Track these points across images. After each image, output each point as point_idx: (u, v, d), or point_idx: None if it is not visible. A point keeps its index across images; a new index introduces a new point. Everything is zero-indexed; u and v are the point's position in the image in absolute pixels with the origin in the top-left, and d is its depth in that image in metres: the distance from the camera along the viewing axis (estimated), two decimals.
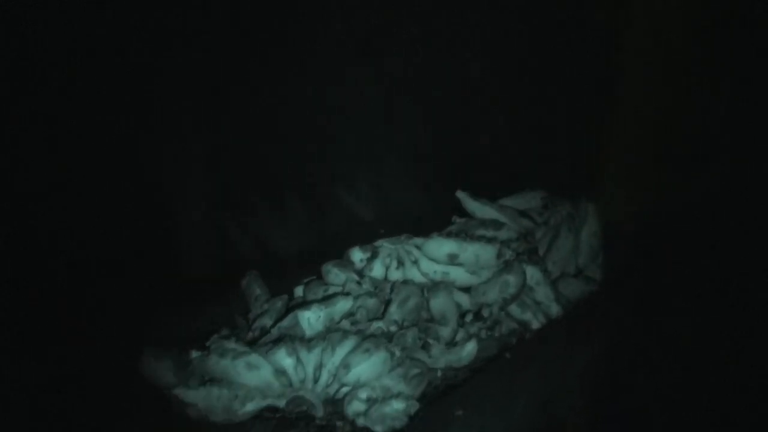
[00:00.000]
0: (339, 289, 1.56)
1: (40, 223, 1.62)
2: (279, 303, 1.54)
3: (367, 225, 2.08)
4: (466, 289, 1.59)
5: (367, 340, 1.32)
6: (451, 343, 1.44)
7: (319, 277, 1.64)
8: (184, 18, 1.70)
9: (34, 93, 1.57)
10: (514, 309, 1.55)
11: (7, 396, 1.27)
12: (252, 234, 2.05)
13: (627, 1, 1.91)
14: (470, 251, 1.53)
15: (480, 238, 1.57)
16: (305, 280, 1.68)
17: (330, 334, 1.35)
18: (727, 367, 1.63)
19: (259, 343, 1.40)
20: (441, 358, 1.39)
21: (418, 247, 1.56)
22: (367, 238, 1.71)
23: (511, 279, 1.52)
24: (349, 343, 1.32)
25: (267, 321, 1.48)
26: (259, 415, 1.26)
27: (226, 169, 1.92)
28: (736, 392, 1.57)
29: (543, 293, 1.58)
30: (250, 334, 1.47)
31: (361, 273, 1.60)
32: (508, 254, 1.56)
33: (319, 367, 1.30)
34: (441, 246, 1.53)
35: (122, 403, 1.29)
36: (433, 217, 1.80)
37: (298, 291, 1.65)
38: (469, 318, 1.53)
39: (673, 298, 1.72)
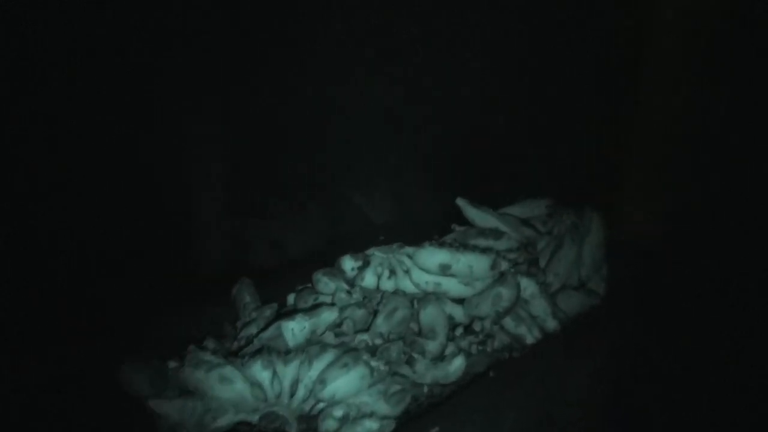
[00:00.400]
0: (329, 298, 1.53)
1: (39, 223, 1.63)
2: (268, 312, 1.51)
3: (370, 230, 2.05)
4: (461, 301, 1.53)
5: (346, 354, 1.28)
6: (439, 358, 1.38)
7: None
8: (207, 21, 1.69)
9: (33, 93, 1.57)
10: (508, 323, 1.49)
11: (7, 396, 1.27)
12: (258, 235, 2.04)
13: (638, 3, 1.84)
14: (463, 262, 1.47)
15: (474, 248, 1.51)
16: (299, 287, 1.65)
17: (309, 347, 1.31)
18: (736, 384, 1.56)
19: (241, 353, 1.36)
20: (427, 374, 1.34)
21: (410, 257, 1.51)
22: (370, 242, 1.67)
23: (504, 291, 1.46)
24: (327, 357, 1.28)
25: (253, 330, 1.45)
26: (232, 430, 1.23)
27: (233, 169, 1.91)
28: (743, 409, 1.51)
29: (539, 307, 1.52)
30: (236, 344, 1.44)
31: (352, 282, 1.57)
32: (503, 265, 1.50)
33: (296, 381, 1.27)
34: (432, 256, 1.48)
35: (122, 404, 1.28)
36: (435, 224, 1.76)
37: (291, 299, 1.62)
38: (459, 332, 1.49)
39: (682, 312, 1.65)
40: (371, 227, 2.12)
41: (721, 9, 1.72)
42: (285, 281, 1.70)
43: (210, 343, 1.43)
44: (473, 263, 1.48)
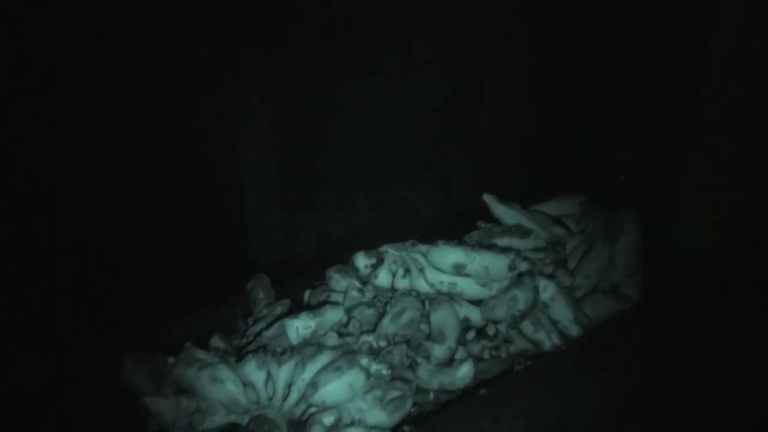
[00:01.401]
0: (341, 296, 1.47)
1: (40, 224, 1.61)
2: (279, 308, 1.45)
3: (388, 228, 1.97)
4: (479, 302, 1.43)
5: (342, 357, 1.21)
6: (447, 363, 1.28)
7: None
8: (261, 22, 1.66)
9: (35, 93, 1.55)
10: (526, 327, 1.38)
11: (7, 396, 1.26)
12: (303, 227, 2.00)
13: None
14: (478, 261, 1.36)
15: (491, 248, 1.40)
16: (316, 284, 1.59)
17: (304, 348, 1.23)
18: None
19: (243, 351, 1.32)
20: (433, 380, 1.25)
21: (424, 255, 1.41)
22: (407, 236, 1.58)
23: (520, 295, 1.34)
24: (322, 359, 1.21)
25: (262, 327, 1.39)
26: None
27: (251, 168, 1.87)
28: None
29: (560, 311, 1.39)
30: (244, 340, 1.40)
31: (366, 280, 1.49)
32: (522, 266, 1.38)
33: (290, 383, 1.20)
34: (446, 255, 1.37)
35: (122, 404, 1.25)
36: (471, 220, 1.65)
37: (306, 296, 1.57)
38: (471, 336, 1.38)
39: (719, 321, 1.50)
40: (392, 225, 2.04)
41: None
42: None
43: (216, 340, 1.39)
44: (489, 263, 1.37)
